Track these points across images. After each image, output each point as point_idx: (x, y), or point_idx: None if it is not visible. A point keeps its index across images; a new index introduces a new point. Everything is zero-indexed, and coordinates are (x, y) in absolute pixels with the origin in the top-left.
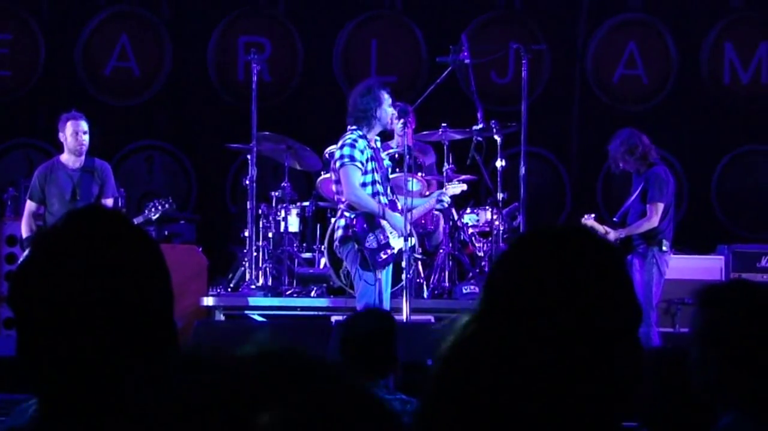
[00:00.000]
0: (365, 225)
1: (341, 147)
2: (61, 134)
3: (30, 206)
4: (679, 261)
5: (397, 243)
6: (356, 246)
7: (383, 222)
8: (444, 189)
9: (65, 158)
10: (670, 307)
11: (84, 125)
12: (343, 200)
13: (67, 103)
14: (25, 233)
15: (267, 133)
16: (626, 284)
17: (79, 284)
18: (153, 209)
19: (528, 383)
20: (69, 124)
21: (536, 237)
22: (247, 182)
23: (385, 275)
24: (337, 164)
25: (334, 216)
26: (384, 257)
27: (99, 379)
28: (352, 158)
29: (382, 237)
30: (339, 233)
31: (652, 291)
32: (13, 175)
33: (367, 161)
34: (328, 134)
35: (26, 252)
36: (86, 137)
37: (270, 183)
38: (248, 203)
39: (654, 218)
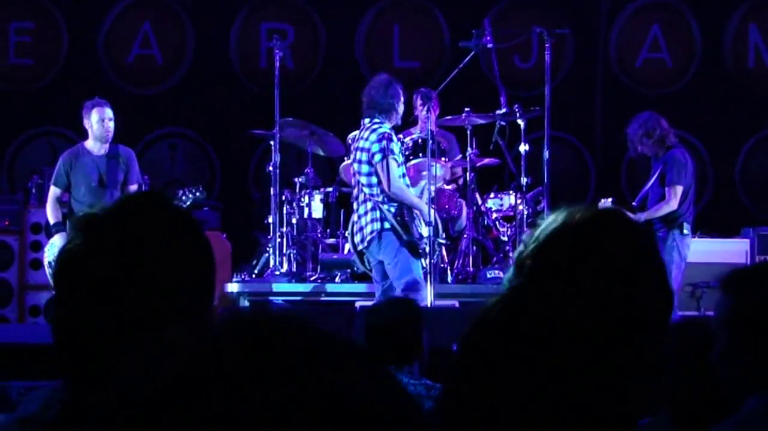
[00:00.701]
0: (407, 216)
1: (380, 140)
2: (86, 121)
3: (54, 191)
4: (704, 245)
5: (424, 232)
6: (405, 236)
7: (416, 213)
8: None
9: (90, 144)
10: (696, 290)
11: (110, 112)
12: (376, 192)
13: (89, 91)
14: (52, 218)
15: (290, 119)
16: (659, 269)
17: (126, 269)
18: (183, 197)
19: (552, 366)
20: (95, 111)
21: (569, 219)
22: (271, 169)
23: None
24: (377, 156)
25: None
26: (422, 247)
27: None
28: (392, 152)
29: (417, 227)
30: (376, 225)
31: (672, 275)
32: (37, 163)
33: (399, 152)
34: (351, 119)
35: (56, 236)
36: (112, 124)
37: (293, 169)
38: (272, 189)
39: (673, 202)
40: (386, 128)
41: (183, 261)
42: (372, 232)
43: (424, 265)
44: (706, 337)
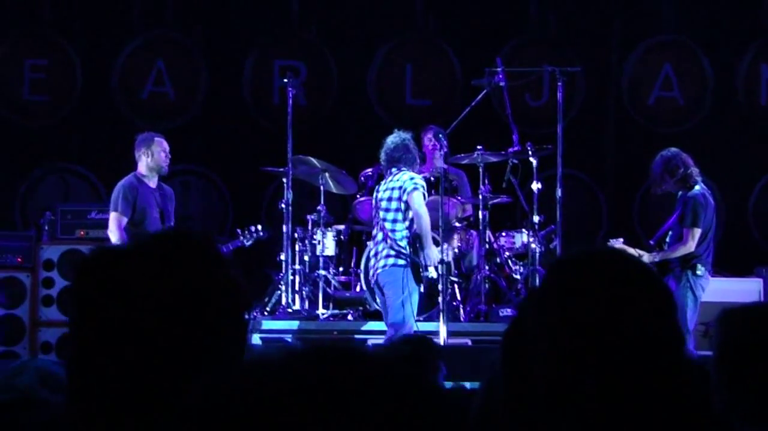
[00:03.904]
0: (412, 248)
1: (411, 178)
2: (143, 151)
3: (121, 219)
4: (717, 283)
5: (432, 272)
6: (410, 267)
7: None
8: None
9: (145, 176)
10: (708, 330)
11: (168, 146)
12: (398, 228)
13: (103, 128)
14: None
15: (302, 156)
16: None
17: (157, 305)
18: (247, 235)
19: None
20: (156, 141)
21: (573, 261)
22: (283, 206)
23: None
24: (410, 187)
25: (370, 239)
26: (425, 274)
27: (159, 398)
28: (423, 187)
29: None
30: (390, 260)
31: (686, 316)
32: (50, 199)
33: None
34: (363, 157)
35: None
36: (169, 158)
37: (306, 206)
38: (284, 226)
39: (690, 243)
40: (413, 173)
41: (214, 298)
42: (384, 266)
43: (439, 302)
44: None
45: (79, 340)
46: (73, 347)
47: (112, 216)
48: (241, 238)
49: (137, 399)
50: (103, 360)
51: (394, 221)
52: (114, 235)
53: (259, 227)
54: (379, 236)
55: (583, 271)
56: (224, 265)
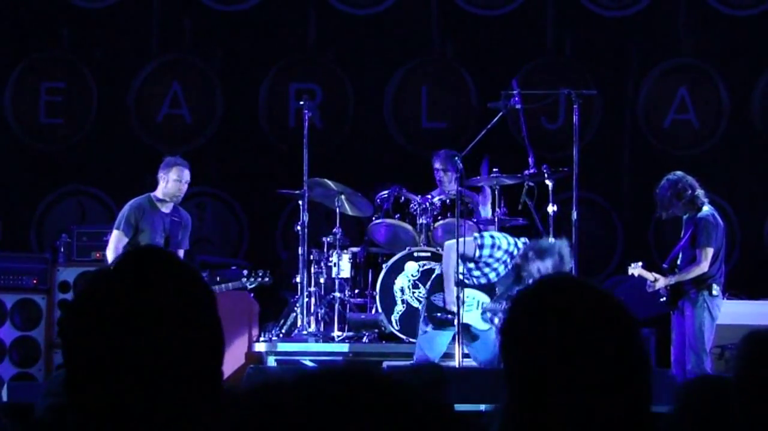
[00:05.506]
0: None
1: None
2: (162, 175)
3: (121, 238)
4: (734, 307)
5: (469, 317)
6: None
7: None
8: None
9: (159, 200)
10: (724, 352)
11: (188, 175)
12: None
13: (119, 150)
14: None
15: (318, 178)
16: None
17: (129, 327)
18: (252, 279)
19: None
20: (175, 169)
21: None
22: (299, 228)
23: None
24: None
25: (385, 262)
26: (440, 316)
27: (139, 420)
28: (478, 236)
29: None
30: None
31: (704, 336)
32: (66, 222)
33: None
34: (379, 179)
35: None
36: (186, 187)
37: (321, 229)
38: (300, 248)
39: (703, 264)
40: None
41: (184, 321)
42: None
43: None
44: (721, 396)
45: (67, 364)
46: (66, 371)
47: (114, 234)
48: (244, 280)
49: (125, 417)
50: (91, 382)
51: None
52: (111, 254)
53: (267, 272)
54: None
55: (536, 304)
56: (194, 287)
